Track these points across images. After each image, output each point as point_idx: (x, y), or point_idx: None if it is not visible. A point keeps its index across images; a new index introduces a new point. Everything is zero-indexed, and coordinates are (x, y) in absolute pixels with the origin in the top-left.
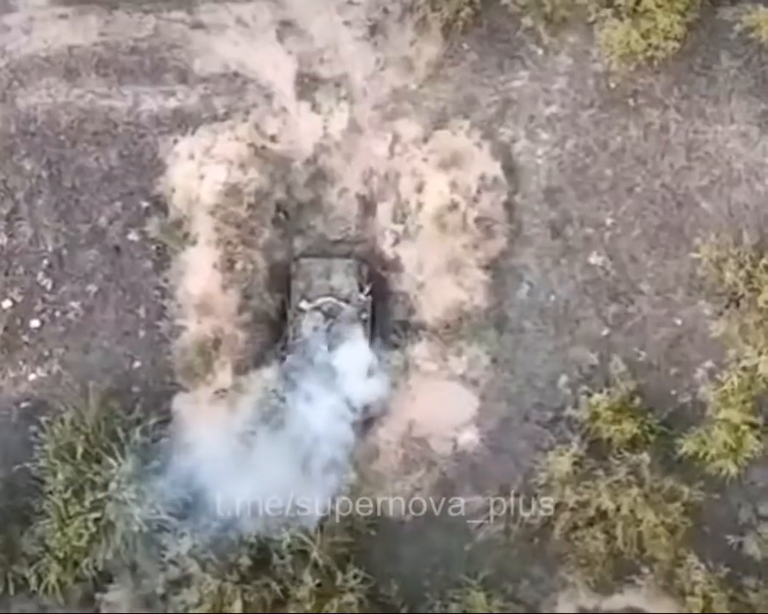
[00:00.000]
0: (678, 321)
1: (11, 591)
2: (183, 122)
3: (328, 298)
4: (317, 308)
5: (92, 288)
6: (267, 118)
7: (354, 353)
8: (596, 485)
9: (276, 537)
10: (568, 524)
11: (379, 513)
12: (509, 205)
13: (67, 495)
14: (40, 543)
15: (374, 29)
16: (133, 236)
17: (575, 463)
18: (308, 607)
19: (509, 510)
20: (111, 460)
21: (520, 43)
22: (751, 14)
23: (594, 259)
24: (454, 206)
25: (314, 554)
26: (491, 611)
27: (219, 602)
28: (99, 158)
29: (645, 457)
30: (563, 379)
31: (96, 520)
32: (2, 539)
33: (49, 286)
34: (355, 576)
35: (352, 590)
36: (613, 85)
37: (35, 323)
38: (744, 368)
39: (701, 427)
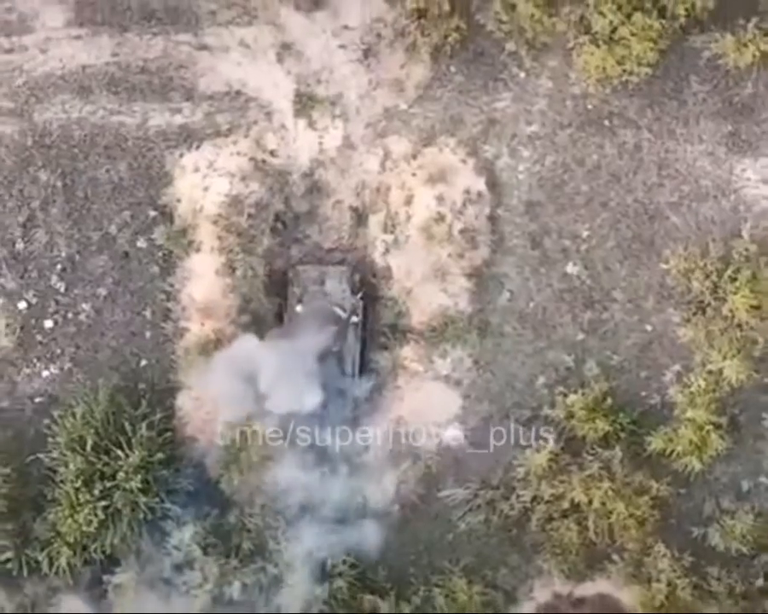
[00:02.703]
0: (649, 327)
1: (24, 573)
2: (189, 137)
3: (322, 303)
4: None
5: (102, 291)
6: (267, 134)
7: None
8: (570, 479)
9: (273, 524)
10: (544, 516)
11: (367, 504)
12: (491, 218)
13: (78, 484)
14: (52, 529)
15: (367, 52)
16: (141, 243)
17: (551, 459)
18: (297, 592)
19: (489, 502)
20: (119, 452)
21: (503, 67)
22: (719, 41)
23: (570, 269)
24: (440, 218)
25: (306, 542)
26: (471, 595)
27: (220, 583)
28: (110, 170)
29: (616, 453)
30: (541, 380)
31: (105, 508)
32: (16, 525)
33: (62, 289)
34: (344, 562)
35: (341, 575)
36: (590, 107)
37: (48, 323)
38: (710, 372)
39: (669, 426)
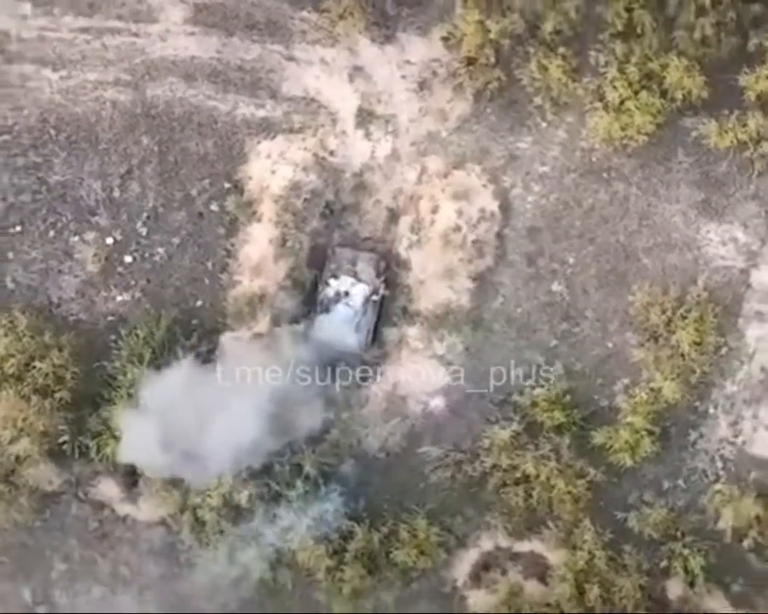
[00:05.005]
0: (610, 345)
1: (75, 455)
2: (267, 128)
3: (352, 279)
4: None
5: (176, 240)
6: (330, 137)
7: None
8: (525, 455)
9: (280, 449)
10: (499, 481)
11: (359, 447)
12: (499, 235)
13: (131, 390)
14: (104, 424)
15: (422, 84)
16: (214, 207)
17: (513, 436)
18: (296, 507)
19: (457, 462)
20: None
21: (529, 115)
22: (705, 125)
23: (555, 287)
24: (458, 229)
25: (307, 468)
26: (429, 535)
27: (229, 492)
28: (199, 144)
29: (565, 441)
30: (515, 371)
31: None
32: (75, 415)
33: (144, 233)
34: (334, 490)
35: (329, 500)
36: (593, 159)
37: (128, 259)
38: (652, 389)
39: (612, 426)
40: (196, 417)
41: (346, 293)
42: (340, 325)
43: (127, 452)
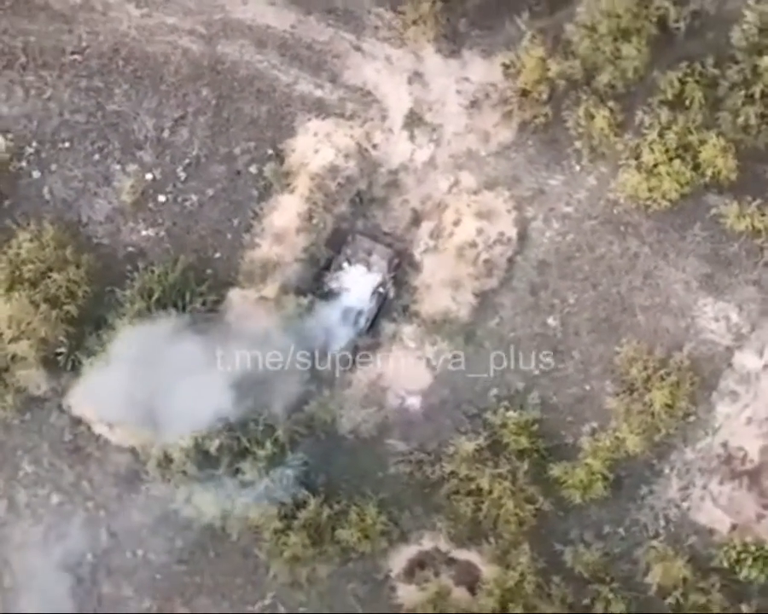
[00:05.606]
0: (587, 387)
1: (67, 368)
2: (321, 109)
3: (364, 268)
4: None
5: (210, 192)
6: (376, 131)
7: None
8: (484, 470)
9: (258, 409)
10: (453, 488)
11: (332, 424)
12: (510, 260)
13: (134, 321)
14: (101, 344)
15: (474, 103)
16: (252, 169)
17: (476, 450)
18: (260, 465)
19: (418, 461)
20: (172, 311)
21: (566, 156)
22: (726, 205)
23: (550, 321)
24: (474, 245)
25: (279, 432)
26: (376, 522)
27: (201, 438)
28: (253, 107)
29: (524, 466)
30: (494, 390)
31: None
32: (77, 332)
33: (182, 178)
34: (299, 458)
35: (293, 467)
36: (615, 211)
37: (161, 198)
38: (616, 437)
39: (570, 463)
40: (168, 377)
41: (347, 289)
42: (334, 322)
43: (84, 400)
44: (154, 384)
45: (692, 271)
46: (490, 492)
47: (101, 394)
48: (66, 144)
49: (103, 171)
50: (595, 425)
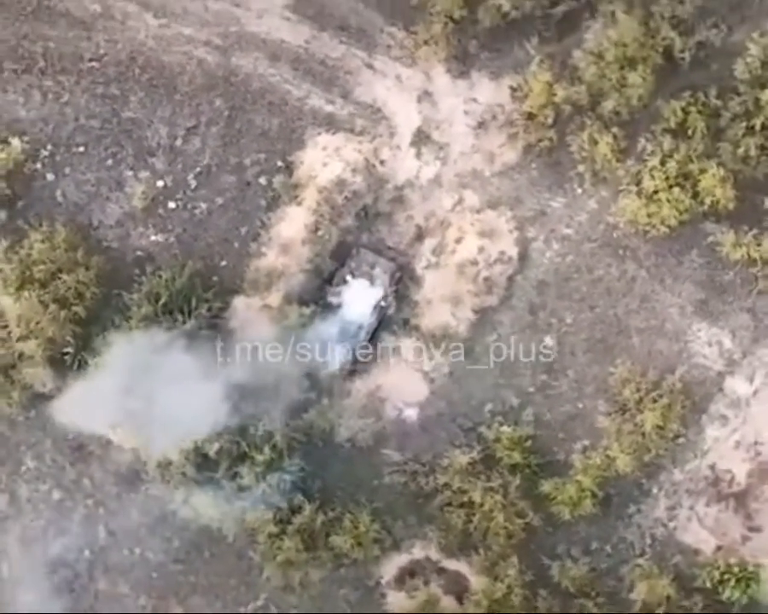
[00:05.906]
0: (580, 405)
1: (73, 367)
2: (331, 124)
3: (366, 282)
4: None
5: (219, 200)
6: (384, 147)
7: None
8: (476, 483)
9: (257, 415)
10: (446, 500)
11: (330, 433)
12: (510, 279)
13: (141, 325)
14: (107, 344)
15: (481, 124)
16: (262, 180)
17: (470, 463)
18: (257, 470)
19: (413, 472)
20: (178, 316)
21: (569, 179)
22: (723, 234)
23: (547, 340)
24: (475, 263)
25: (277, 437)
26: (369, 530)
27: (201, 441)
28: (265, 119)
29: (516, 480)
30: (489, 406)
31: None
32: (84, 332)
33: (192, 186)
34: (296, 464)
35: (290, 473)
36: (614, 235)
37: (172, 205)
38: (607, 456)
39: (561, 479)
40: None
41: (349, 304)
42: (334, 334)
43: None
44: (147, 393)
45: (687, 296)
46: (481, 505)
47: (90, 403)
48: (81, 148)
49: (116, 176)
50: (586, 443)
